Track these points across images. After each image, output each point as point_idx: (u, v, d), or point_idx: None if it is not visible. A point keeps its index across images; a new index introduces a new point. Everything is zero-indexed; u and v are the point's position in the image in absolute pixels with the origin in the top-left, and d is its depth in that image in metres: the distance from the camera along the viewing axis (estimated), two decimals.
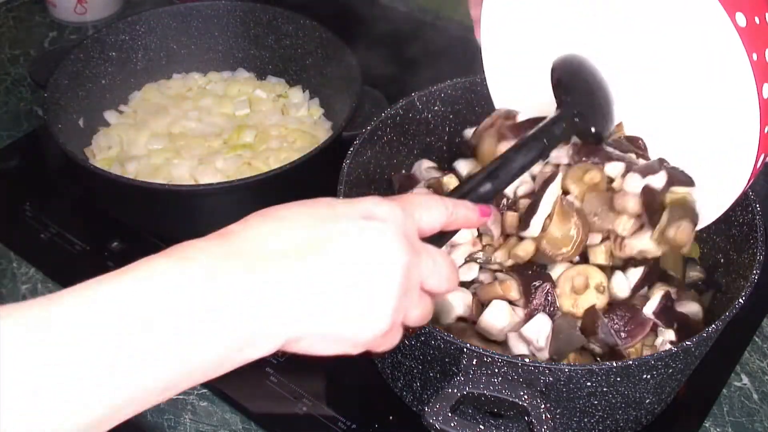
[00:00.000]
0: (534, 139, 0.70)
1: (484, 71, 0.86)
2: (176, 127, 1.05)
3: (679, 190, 0.75)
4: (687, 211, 0.74)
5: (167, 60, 1.12)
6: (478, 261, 0.78)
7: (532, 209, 0.75)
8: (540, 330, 0.71)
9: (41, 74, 1.00)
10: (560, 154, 0.78)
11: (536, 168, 0.80)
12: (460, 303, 0.75)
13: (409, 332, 0.61)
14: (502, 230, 0.78)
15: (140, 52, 1.10)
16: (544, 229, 0.75)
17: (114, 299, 0.42)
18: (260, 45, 1.13)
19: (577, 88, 0.75)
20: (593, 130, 0.74)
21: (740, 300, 0.67)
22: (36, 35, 1.29)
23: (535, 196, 0.75)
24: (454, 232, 0.60)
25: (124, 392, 0.42)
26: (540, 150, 0.70)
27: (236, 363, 0.46)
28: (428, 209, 0.56)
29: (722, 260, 0.80)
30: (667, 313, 0.73)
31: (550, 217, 0.74)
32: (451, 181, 0.85)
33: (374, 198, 0.53)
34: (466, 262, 0.78)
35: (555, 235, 0.74)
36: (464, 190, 0.63)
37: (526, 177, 0.80)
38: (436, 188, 0.85)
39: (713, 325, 0.66)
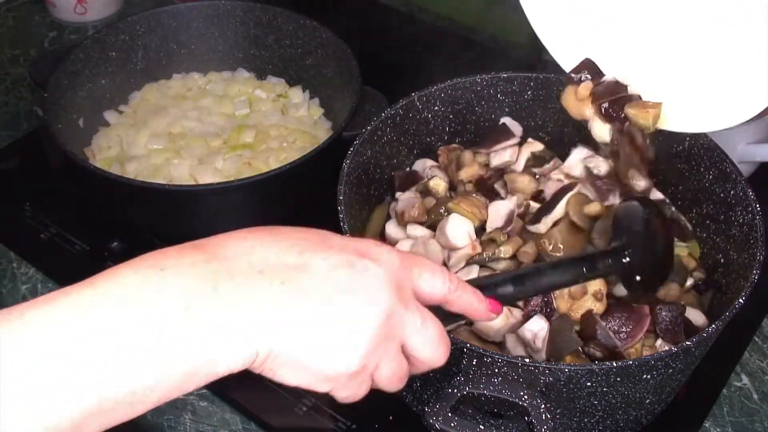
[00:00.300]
0: (574, 263, 0.66)
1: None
2: (176, 127, 1.05)
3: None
4: (676, 271, 0.76)
5: (167, 60, 1.12)
6: (485, 258, 0.78)
7: (546, 208, 0.78)
8: (537, 332, 0.71)
9: (41, 74, 1.00)
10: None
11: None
12: None
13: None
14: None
15: (140, 52, 1.10)
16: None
17: (75, 313, 0.42)
18: (260, 45, 1.13)
19: (635, 234, 0.69)
20: (638, 278, 0.69)
21: (740, 300, 0.67)
22: (36, 35, 1.29)
23: (552, 199, 0.79)
24: (456, 318, 0.57)
25: (78, 410, 0.41)
26: (576, 276, 0.66)
27: (201, 379, 0.45)
28: (431, 272, 0.53)
29: (722, 260, 0.80)
30: (677, 325, 0.73)
31: (557, 222, 0.77)
32: (438, 184, 0.85)
33: (375, 241, 0.51)
34: (466, 264, 0.78)
35: (556, 237, 0.76)
36: (482, 283, 0.59)
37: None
38: (424, 192, 0.85)
39: (713, 325, 0.66)
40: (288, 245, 0.48)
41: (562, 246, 0.77)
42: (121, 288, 0.43)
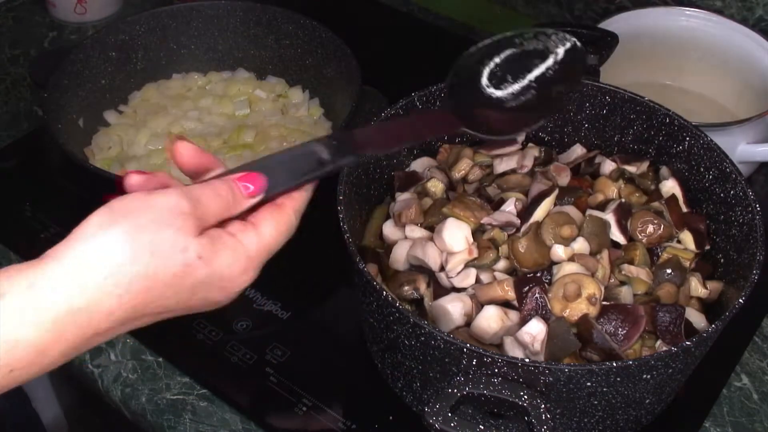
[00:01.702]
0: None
1: None
2: (176, 127, 1.05)
3: (673, 249, 0.79)
4: (675, 272, 0.77)
5: (167, 60, 1.12)
6: (486, 263, 0.77)
7: (528, 212, 0.78)
8: (535, 334, 0.71)
9: (41, 74, 1.00)
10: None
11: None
12: (459, 313, 0.74)
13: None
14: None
15: (140, 52, 1.10)
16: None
17: None
18: (260, 45, 1.13)
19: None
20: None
21: (740, 300, 0.67)
22: (36, 35, 1.29)
23: (531, 203, 0.79)
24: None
25: None
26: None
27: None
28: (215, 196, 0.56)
29: (722, 260, 0.80)
30: (677, 326, 0.73)
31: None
32: (436, 185, 0.85)
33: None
34: (464, 268, 0.77)
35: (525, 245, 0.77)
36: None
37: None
38: (422, 193, 0.85)
39: (713, 325, 0.66)
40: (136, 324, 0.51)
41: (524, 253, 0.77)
42: None
